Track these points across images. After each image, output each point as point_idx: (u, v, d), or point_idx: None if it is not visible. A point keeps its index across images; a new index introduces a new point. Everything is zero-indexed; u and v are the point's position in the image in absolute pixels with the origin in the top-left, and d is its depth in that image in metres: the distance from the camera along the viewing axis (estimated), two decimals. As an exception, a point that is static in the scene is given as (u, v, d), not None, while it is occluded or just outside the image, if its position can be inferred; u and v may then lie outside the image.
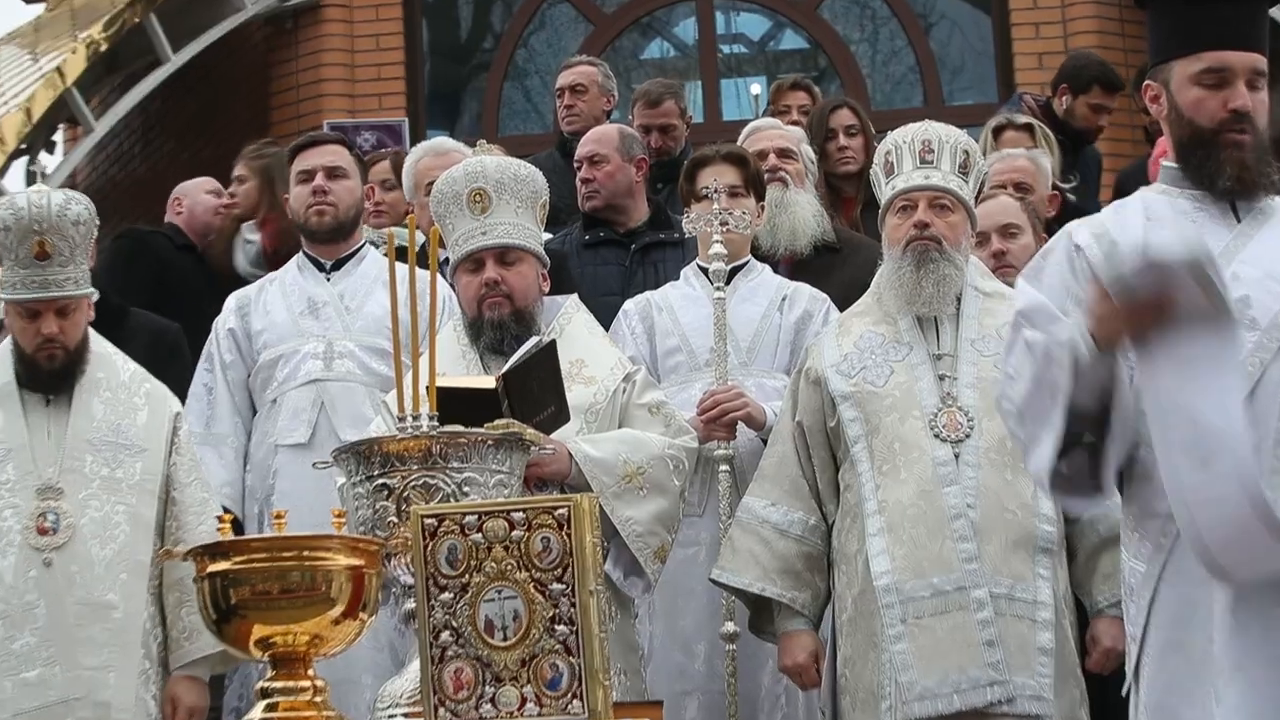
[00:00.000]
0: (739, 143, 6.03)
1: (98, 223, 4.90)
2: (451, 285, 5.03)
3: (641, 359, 5.29)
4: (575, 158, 6.51)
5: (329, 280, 5.77)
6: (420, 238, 5.57)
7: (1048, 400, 3.22)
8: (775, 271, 5.63)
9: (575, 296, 5.02)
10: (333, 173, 5.78)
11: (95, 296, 4.94)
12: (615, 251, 6.31)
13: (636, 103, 7.35)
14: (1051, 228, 4.90)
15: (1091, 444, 3.26)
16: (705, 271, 5.36)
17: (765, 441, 5.01)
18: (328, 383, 5.55)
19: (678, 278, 5.56)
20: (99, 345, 4.94)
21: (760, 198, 5.51)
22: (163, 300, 6.34)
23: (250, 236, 6.67)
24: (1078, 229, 3.60)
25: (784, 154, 6.06)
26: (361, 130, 9.29)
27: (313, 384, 5.56)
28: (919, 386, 4.65)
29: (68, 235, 4.78)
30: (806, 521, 4.77)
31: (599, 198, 6.34)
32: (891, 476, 4.58)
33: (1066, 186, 6.86)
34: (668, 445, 4.67)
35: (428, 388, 3.42)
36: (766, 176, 5.69)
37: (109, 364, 4.91)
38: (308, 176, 5.79)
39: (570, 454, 4.50)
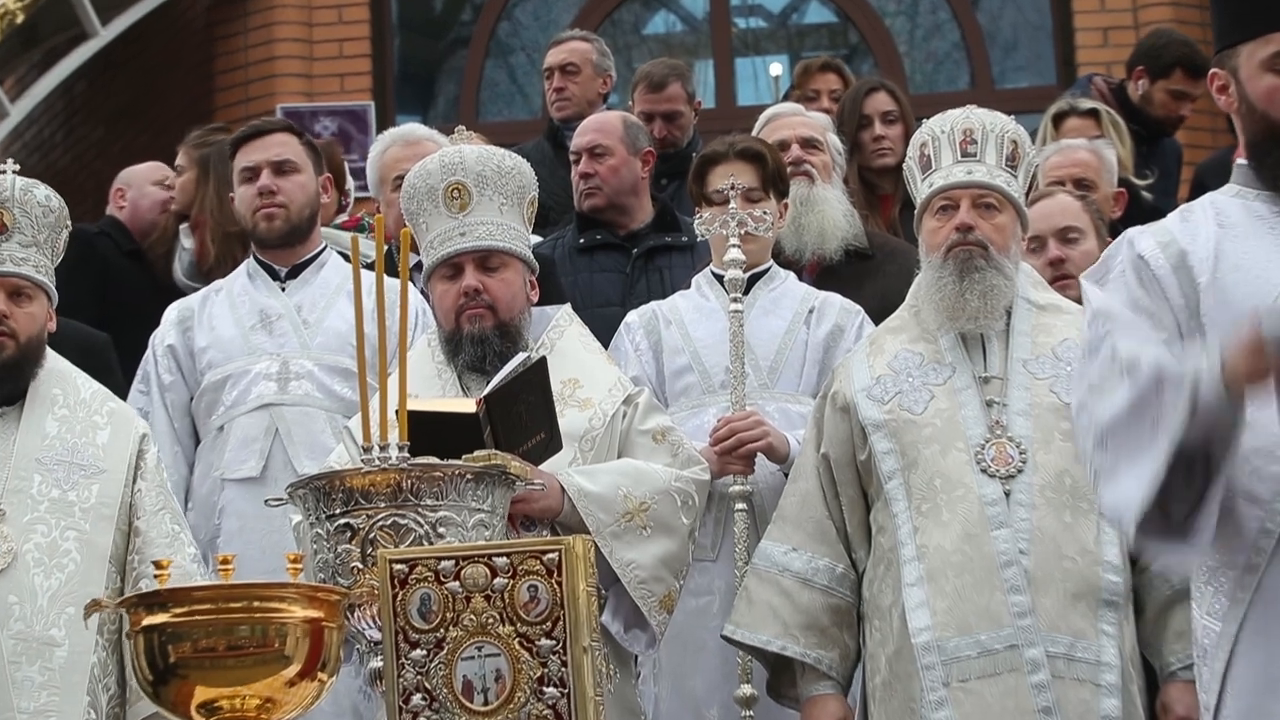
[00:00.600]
0: (756, 132, 6.04)
1: (69, 225, 4.96)
2: (425, 294, 5.02)
3: (646, 379, 5.31)
4: (572, 149, 6.52)
5: (284, 290, 5.76)
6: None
7: (1147, 431, 3.27)
8: (800, 280, 5.63)
9: (568, 307, 5.04)
10: (281, 167, 5.76)
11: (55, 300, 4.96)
12: (615, 256, 6.33)
13: (637, 86, 7.37)
14: (1117, 230, 4.81)
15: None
16: (720, 279, 5.39)
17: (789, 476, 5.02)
18: (283, 407, 5.55)
19: (687, 286, 5.59)
20: (57, 362, 4.96)
21: (782, 196, 5.50)
22: (108, 313, 6.34)
23: (186, 243, 6.70)
24: (1139, 236, 3.61)
25: (808, 144, 6.04)
26: (320, 116, 9.35)
27: (265, 409, 5.56)
28: (963, 414, 4.67)
29: (32, 214, 4.82)
30: (833, 569, 4.79)
31: (600, 196, 6.38)
32: (932, 518, 4.60)
33: (1141, 183, 6.92)
34: (675, 478, 4.69)
35: (397, 412, 3.42)
36: (789, 170, 5.69)
37: (67, 381, 4.93)
38: (252, 174, 5.78)
39: (562, 488, 4.52)
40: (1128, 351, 3.34)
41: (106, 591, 4.67)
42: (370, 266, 4.77)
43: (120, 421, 4.90)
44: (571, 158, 6.50)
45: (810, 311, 5.42)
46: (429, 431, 3.73)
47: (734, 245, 5.30)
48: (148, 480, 4.84)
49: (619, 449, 4.76)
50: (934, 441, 4.66)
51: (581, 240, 6.38)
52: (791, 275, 5.59)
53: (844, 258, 5.89)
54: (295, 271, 5.80)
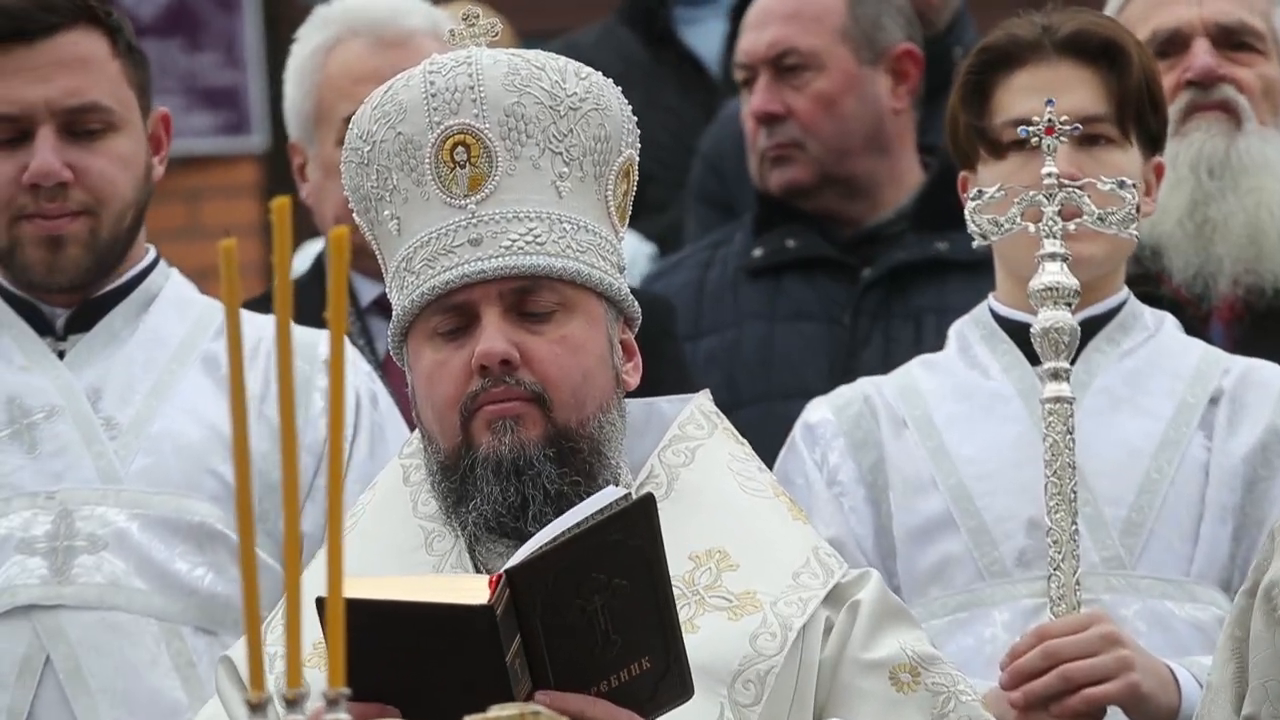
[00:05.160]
0: (1113, 6, 5.62)
1: None
2: (384, 368, 5.05)
3: (854, 548, 4.87)
4: (741, 54, 6.12)
5: (63, 356, 5.08)
6: (315, 244, 6.05)
7: None
8: (1191, 331, 5.21)
9: (705, 398, 4.45)
10: (74, 126, 4.98)
11: None
12: (825, 285, 6.14)
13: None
14: None
15: None
16: (1016, 331, 4.99)
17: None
18: (61, 612, 4.97)
19: (938, 346, 5.24)
20: None
21: (1153, 147, 4.99)
22: None
23: None
24: None
25: (1234, 38, 5.61)
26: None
27: (24, 615, 4.99)
28: None
29: None
30: None
31: (801, 162, 6.14)
32: None
33: None
34: (942, 771, 4.30)
35: (325, 610, 3.17)
36: (1189, 97, 5.45)
37: None
38: (12, 130, 4.97)
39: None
40: None
41: None
42: (258, 304, 4.37)
43: None
44: (737, 74, 6.12)
45: (1213, 402, 5.00)
46: (397, 646, 3.64)
47: (1054, 254, 4.68)
48: None
49: (820, 702, 4.31)
50: None
51: (757, 251, 6.09)
52: (1169, 319, 5.11)
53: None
54: (88, 316, 5.07)
